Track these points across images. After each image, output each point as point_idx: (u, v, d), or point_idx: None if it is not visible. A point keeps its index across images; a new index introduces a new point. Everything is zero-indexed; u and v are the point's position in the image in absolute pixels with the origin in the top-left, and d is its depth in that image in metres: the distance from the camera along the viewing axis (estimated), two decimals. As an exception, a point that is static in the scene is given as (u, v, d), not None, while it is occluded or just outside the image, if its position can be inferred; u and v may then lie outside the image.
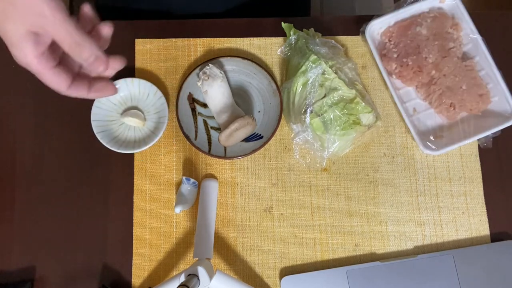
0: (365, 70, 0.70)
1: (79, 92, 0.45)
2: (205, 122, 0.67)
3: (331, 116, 0.61)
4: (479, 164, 0.67)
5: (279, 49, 0.69)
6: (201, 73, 0.64)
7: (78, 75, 0.46)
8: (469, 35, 0.67)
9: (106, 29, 0.46)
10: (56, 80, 0.43)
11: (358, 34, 0.71)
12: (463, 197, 0.66)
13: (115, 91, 0.47)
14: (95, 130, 0.64)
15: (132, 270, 0.63)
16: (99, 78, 0.47)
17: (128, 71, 0.69)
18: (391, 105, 0.68)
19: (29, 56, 0.41)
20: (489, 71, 0.66)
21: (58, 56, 0.44)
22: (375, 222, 0.65)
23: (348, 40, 0.70)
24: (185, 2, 0.78)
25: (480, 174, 0.66)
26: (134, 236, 0.64)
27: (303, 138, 0.64)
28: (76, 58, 0.42)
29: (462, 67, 0.65)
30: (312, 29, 0.69)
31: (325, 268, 0.63)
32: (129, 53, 0.69)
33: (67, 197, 0.65)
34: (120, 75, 0.68)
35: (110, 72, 0.46)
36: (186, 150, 0.67)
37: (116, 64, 0.45)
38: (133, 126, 0.66)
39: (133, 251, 0.63)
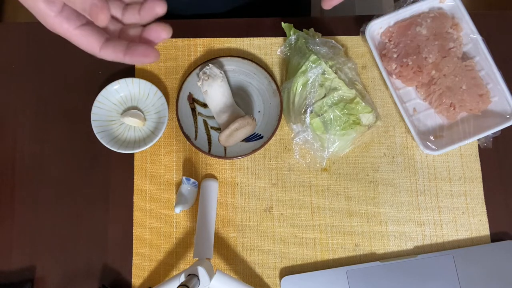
0: (365, 70, 0.70)
1: (113, 54, 0.40)
2: (205, 122, 0.67)
3: (331, 116, 0.61)
4: (479, 164, 0.67)
5: (279, 49, 0.69)
6: (201, 73, 0.64)
7: (114, 37, 0.42)
8: (469, 35, 0.67)
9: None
10: (85, 41, 0.40)
11: (358, 34, 0.71)
12: (463, 197, 0.66)
13: (156, 57, 0.41)
14: (95, 130, 0.64)
15: (132, 270, 0.63)
16: (140, 43, 0.41)
17: (128, 71, 0.69)
18: (391, 105, 0.68)
19: (48, 18, 0.38)
20: (489, 71, 0.66)
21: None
22: (375, 222, 0.65)
23: (348, 40, 0.70)
24: (185, 2, 0.78)
25: (480, 174, 0.66)
26: (134, 236, 0.64)
27: (303, 138, 0.64)
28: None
29: (462, 67, 0.65)
30: (312, 29, 0.69)
31: (325, 268, 0.63)
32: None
33: (67, 197, 0.65)
34: (120, 75, 0.68)
35: (146, 19, 0.42)
36: (186, 150, 0.67)
37: (154, 8, 0.40)
38: (133, 126, 0.66)
39: (133, 251, 0.63)
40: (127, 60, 0.40)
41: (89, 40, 0.40)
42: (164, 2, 0.41)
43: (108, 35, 0.41)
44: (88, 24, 0.40)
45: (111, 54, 0.40)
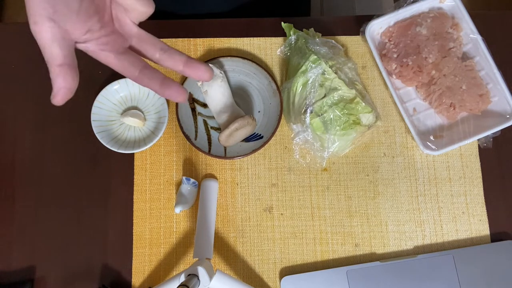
0: (365, 70, 0.70)
1: (149, 83, 0.42)
2: (205, 122, 0.67)
3: (331, 116, 0.61)
4: (479, 164, 0.67)
5: (279, 49, 0.69)
6: (201, 73, 0.63)
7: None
8: (469, 35, 0.67)
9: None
10: (123, 69, 0.41)
11: (358, 34, 0.71)
12: (463, 197, 0.66)
13: (185, 99, 0.44)
14: (95, 130, 0.64)
15: (132, 270, 0.63)
16: (175, 82, 0.43)
17: (128, 71, 0.69)
18: (391, 105, 0.68)
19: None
20: (489, 71, 0.66)
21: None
22: (375, 222, 0.65)
23: (348, 40, 0.70)
24: (185, 2, 0.78)
25: (480, 174, 0.66)
26: (134, 236, 0.64)
27: (303, 138, 0.64)
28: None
29: (462, 67, 0.65)
30: (312, 29, 0.69)
31: (325, 268, 0.63)
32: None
33: (67, 197, 0.65)
34: (120, 75, 0.68)
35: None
36: (186, 150, 0.67)
37: (204, 74, 0.42)
38: (133, 126, 0.66)
39: (133, 251, 0.63)
40: (160, 93, 0.42)
41: (128, 68, 0.41)
42: (212, 70, 0.43)
43: (145, 63, 0.42)
44: (126, 53, 0.41)
45: (147, 83, 0.42)
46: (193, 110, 0.67)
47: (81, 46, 0.39)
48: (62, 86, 0.36)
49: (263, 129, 0.65)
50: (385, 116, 0.68)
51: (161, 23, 0.71)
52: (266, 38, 0.70)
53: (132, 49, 0.42)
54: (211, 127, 0.67)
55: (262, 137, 0.65)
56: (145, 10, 0.40)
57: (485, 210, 0.65)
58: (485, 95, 0.65)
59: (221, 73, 0.63)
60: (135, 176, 0.66)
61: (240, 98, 0.68)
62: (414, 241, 0.64)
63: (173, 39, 0.70)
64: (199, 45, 0.70)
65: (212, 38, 0.70)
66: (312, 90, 0.61)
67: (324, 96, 0.62)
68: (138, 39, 0.42)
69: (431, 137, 0.65)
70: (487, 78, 0.66)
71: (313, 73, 0.61)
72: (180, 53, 0.42)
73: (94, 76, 0.69)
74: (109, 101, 0.66)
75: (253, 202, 0.65)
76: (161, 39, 0.70)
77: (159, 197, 0.65)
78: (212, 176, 0.66)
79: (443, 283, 0.61)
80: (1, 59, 0.69)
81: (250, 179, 0.66)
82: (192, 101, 0.67)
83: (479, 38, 0.66)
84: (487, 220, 0.65)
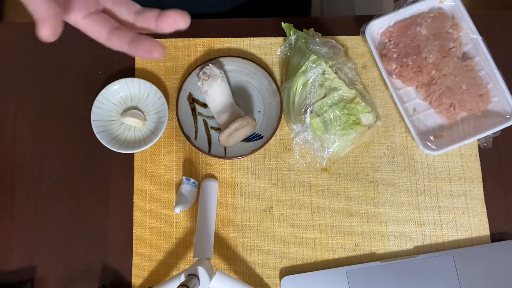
0: (365, 70, 0.70)
1: (118, 44, 0.39)
2: (205, 122, 0.67)
3: (331, 116, 0.61)
4: (479, 164, 0.67)
5: (279, 49, 0.69)
6: (201, 73, 0.64)
7: (127, 25, 0.41)
8: (469, 35, 0.67)
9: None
10: (92, 29, 0.39)
11: (358, 34, 0.71)
12: (463, 197, 0.66)
13: (161, 54, 0.38)
14: (95, 130, 0.64)
15: (132, 270, 0.63)
16: (148, 37, 0.39)
17: (128, 71, 0.69)
18: (391, 105, 0.68)
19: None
20: (489, 71, 0.66)
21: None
22: (375, 222, 0.65)
23: (348, 40, 0.70)
24: (185, 2, 0.78)
25: (480, 174, 0.66)
26: (134, 236, 0.64)
27: (303, 138, 0.64)
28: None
29: (462, 67, 0.65)
30: (312, 29, 0.69)
31: (325, 268, 0.63)
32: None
33: (67, 197, 0.65)
34: (120, 75, 0.68)
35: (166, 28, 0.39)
36: (186, 150, 0.67)
37: (177, 21, 0.38)
38: (133, 126, 0.66)
39: (133, 251, 0.63)
40: (131, 52, 0.39)
41: (96, 28, 0.39)
42: (188, 15, 0.38)
43: (117, 24, 0.40)
44: (96, 13, 0.39)
45: (116, 43, 0.39)
46: (193, 110, 0.67)
47: None
48: (47, 13, 0.34)
49: (263, 129, 0.65)
50: (385, 116, 0.68)
51: (161, 23, 0.71)
52: (266, 38, 0.70)
53: (107, 13, 0.40)
54: (211, 127, 0.67)
55: (262, 137, 0.65)
56: None
57: (485, 210, 0.65)
58: (485, 95, 0.65)
59: (221, 73, 0.63)
60: (135, 176, 0.66)
61: (240, 98, 0.68)
62: (414, 241, 0.64)
63: (173, 39, 0.70)
64: (199, 45, 0.70)
65: (212, 38, 0.70)
66: (312, 90, 0.61)
67: (324, 96, 0.62)
68: (112, 3, 0.40)
69: (431, 137, 0.65)
70: (487, 78, 0.66)
71: (313, 73, 0.61)
72: (151, 9, 0.40)
73: (94, 76, 0.69)
74: (109, 101, 0.66)
75: (253, 202, 0.65)
76: (161, 39, 0.70)
77: (159, 197, 0.65)
78: (212, 176, 0.66)
79: (443, 283, 0.61)
80: (1, 59, 0.69)
81: (250, 179, 0.66)
82: (192, 101, 0.67)
83: (479, 38, 0.66)
84: (487, 220, 0.65)
